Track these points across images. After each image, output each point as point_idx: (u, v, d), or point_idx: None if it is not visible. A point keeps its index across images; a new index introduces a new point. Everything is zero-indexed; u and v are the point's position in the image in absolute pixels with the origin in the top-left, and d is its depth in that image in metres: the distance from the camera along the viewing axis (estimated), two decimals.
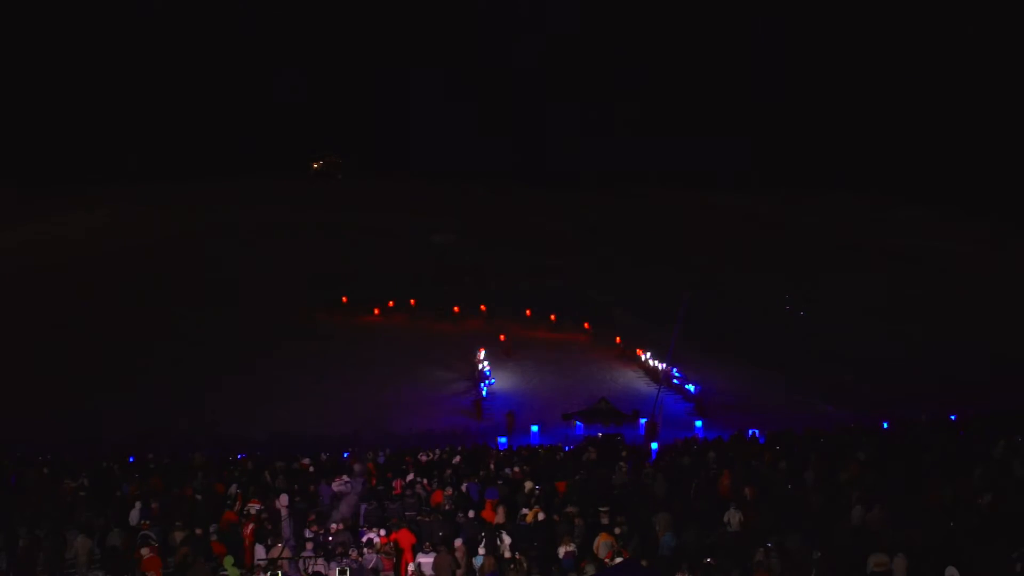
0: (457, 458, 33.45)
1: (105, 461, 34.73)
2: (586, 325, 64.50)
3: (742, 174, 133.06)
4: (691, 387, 50.53)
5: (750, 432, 39.89)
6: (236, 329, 60.81)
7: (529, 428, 43.78)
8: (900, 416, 42.29)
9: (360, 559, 20.87)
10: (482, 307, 67.80)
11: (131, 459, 36.23)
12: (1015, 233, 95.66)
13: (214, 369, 52.51)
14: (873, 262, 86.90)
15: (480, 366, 53.15)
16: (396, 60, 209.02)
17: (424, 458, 33.46)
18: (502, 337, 59.77)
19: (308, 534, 22.96)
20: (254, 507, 25.44)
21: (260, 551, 21.88)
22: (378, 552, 21.38)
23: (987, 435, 34.43)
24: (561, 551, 21.32)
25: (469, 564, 21.72)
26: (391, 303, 68.98)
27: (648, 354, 56.20)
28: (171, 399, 47.99)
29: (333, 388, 50.14)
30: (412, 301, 69.43)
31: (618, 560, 20.17)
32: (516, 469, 30.51)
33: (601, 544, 21.41)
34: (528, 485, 28.01)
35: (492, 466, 31.32)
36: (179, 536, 22.32)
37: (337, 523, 23.73)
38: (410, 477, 29.65)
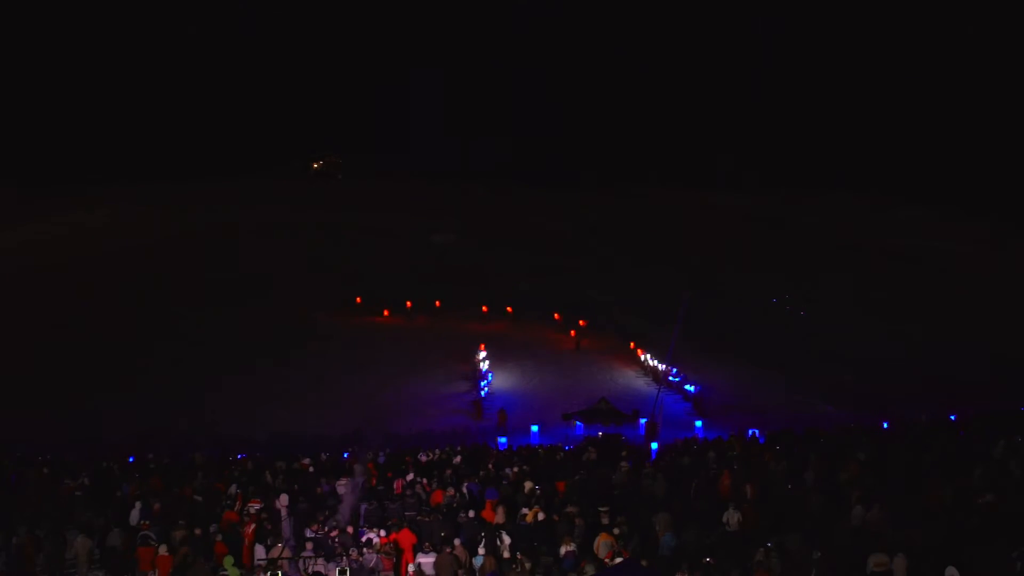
0: (457, 458, 33.48)
1: (105, 461, 34.73)
2: (582, 322, 64.59)
3: (742, 174, 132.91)
4: (690, 387, 50.49)
5: (750, 432, 39.92)
6: (236, 329, 60.79)
7: (528, 428, 43.73)
8: (900, 416, 42.31)
9: (360, 559, 20.88)
10: (508, 308, 67.75)
11: (131, 459, 36.22)
12: (1015, 233, 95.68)
13: (214, 369, 52.50)
14: (873, 262, 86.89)
15: (480, 365, 53.10)
16: (396, 59, 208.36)
17: (424, 458, 33.48)
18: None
19: (309, 533, 23.00)
20: (254, 507, 25.48)
21: (260, 551, 21.90)
22: (378, 552, 21.39)
23: (987, 435, 34.45)
24: (561, 551, 21.33)
25: (469, 564, 21.74)
26: (408, 303, 68.68)
27: (648, 354, 56.20)
28: (171, 399, 47.96)
29: (333, 388, 50.12)
30: (437, 303, 69.06)
31: (618, 560, 20.19)
32: (515, 469, 30.54)
33: (601, 544, 21.43)
34: (528, 485, 28.03)
35: (492, 466, 31.35)
36: (179, 536, 22.35)
37: (337, 523, 23.76)
38: (410, 477, 29.67)
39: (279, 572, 19.75)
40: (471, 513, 25.22)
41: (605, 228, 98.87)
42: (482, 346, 55.43)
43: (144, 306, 65.86)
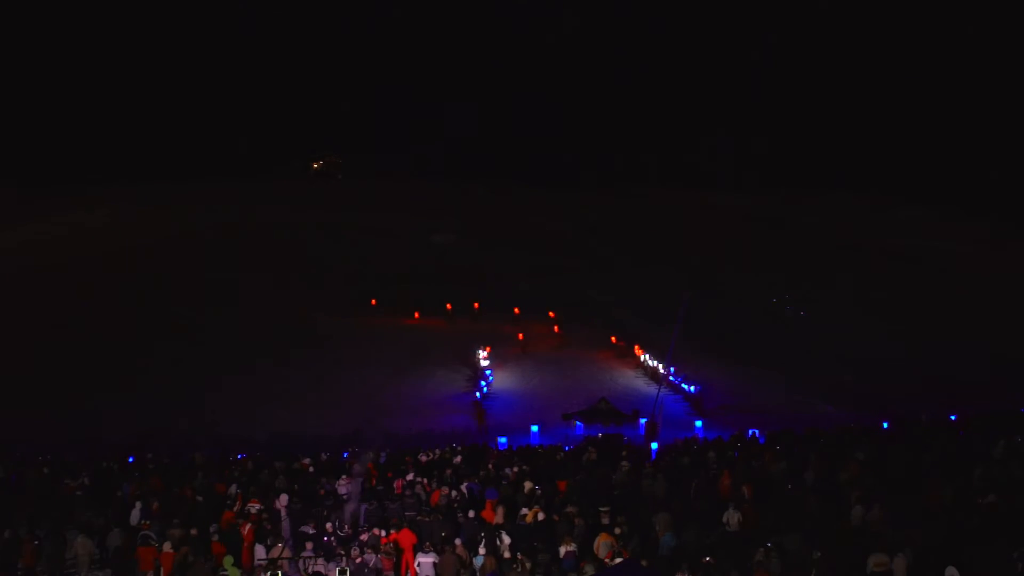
0: (457, 458, 33.47)
1: (105, 461, 34.73)
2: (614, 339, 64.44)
3: (742, 174, 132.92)
4: (688, 387, 50.47)
5: (750, 432, 39.92)
6: (236, 329, 60.79)
7: (528, 428, 43.72)
8: (900, 416, 42.29)
9: (360, 559, 20.88)
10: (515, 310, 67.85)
11: (131, 459, 36.22)
12: (1015, 233, 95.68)
13: (214, 369, 52.50)
14: (873, 262, 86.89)
15: (481, 365, 53.08)
16: (397, 60, 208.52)
17: (424, 458, 33.47)
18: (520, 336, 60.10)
19: (309, 530, 23.04)
20: (254, 507, 25.48)
21: (260, 551, 21.90)
22: (378, 552, 21.39)
23: (987, 435, 34.45)
24: (561, 551, 21.33)
25: (470, 564, 21.75)
26: (448, 305, 68.50)
27: (647, 355, 56.19)
28: (171, 399, 47.96)
29: (333, 388, 50.12)
30: (476, 304, 69.01)
31: (618, 560, 20.20)
32: (515, 469, 30.54)
33: (601, 544, 21.44)
34: (528, 485, 28.02)
35: (492, 466, 31.34)
36: (177, 535, 22.35)
37: (336, 523, 23.78)
38: (410, 477, 29.67)
39: (279, 572, 19.75)
40: (471, 513, 25.22)
41: (605, 228, 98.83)
42: (487, 348, 55.44)
43: (144, 306, 65.86)
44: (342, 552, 21.21)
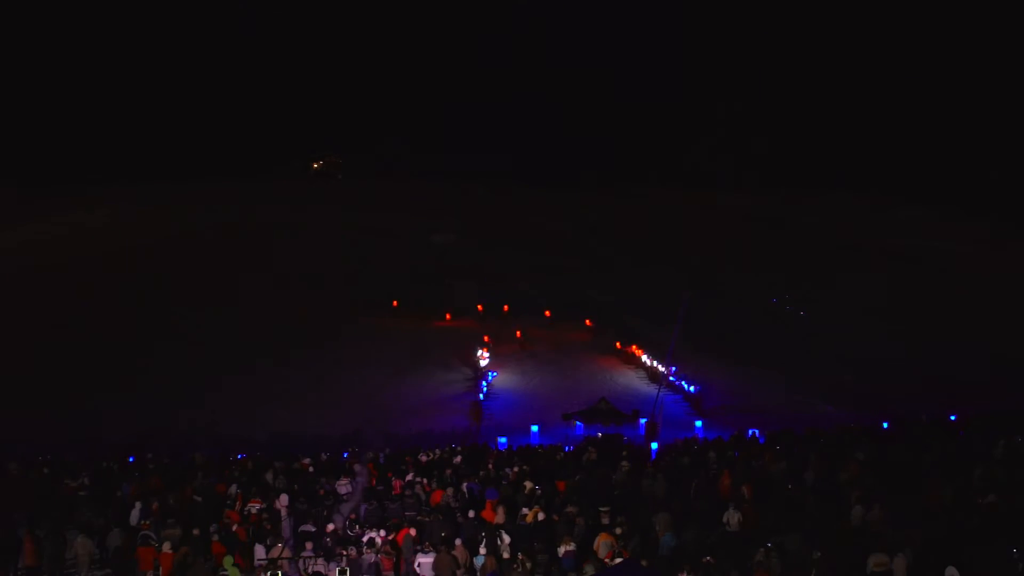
0: (457, 458, 33.48)
1: (105, 461, 34.73)
2: (588, 322, 64.74)
3: (742, 174, 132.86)
4: (687, 387, 50.47)
5: (750, 432, 39.93)
6: (236, 329, 60.79)
7: (528, 428, 43.73)
8: (900, 416, 42.32)
9: (359, 559, 20.88)
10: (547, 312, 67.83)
11: (131, 459, 36.23)
12: (1015, 233, 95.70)
13: (214, 369, 52.50)
14: (873, 262, 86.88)
15: (482, 364, 53.03)
16: (397, 59, 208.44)
17: (424, 458, 33.48)
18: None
19: (309, 528, 23.06)
20: (254, 507, 25.49)
21: (260, 551, 21.90)
22: (378, 552, 21.39)
23: (987, 435, 34.46)
24: (561, 551, 21.34)
25: (470, 564, 21.75)
26: (480, 307, 68.14)
27: (646, 354, 56.20)
28: (171, 399, 47.96)
29: (333, 388, 50.11)
30: (506, 307, 68.88)
31: (618, 560, 20.20)
32: (515, 469, 30.55)
33: (601, 544, 21.44)
34: (528, 485, 28.04)
35: (492, 466, 31.35)
36: (175, 536, 22.36)
37: (337, 523, 23.78)
38: (409, 477, 29.68)
39: (279, 572, 19.75)
40: (471, 513, 25.23)
41: (605, 228, 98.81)
42: (484, 349, 55.41)
43: (144, 306, 65.85)
44: (342, 552, 21.21)
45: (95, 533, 23.71)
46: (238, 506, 25.88)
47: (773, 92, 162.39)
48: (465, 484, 28.39)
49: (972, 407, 43.54)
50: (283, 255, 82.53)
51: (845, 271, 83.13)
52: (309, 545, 21.68)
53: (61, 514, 25.71)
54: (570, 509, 24.91)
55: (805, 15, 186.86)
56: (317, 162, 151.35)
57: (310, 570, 20.66)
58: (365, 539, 22.29)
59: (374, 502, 26.17)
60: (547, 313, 67.28)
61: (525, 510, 25.34)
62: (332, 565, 20.58)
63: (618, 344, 59.84)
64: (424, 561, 21.29)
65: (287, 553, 21.32)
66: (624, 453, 33.95)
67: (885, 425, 41.02)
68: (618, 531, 22.65)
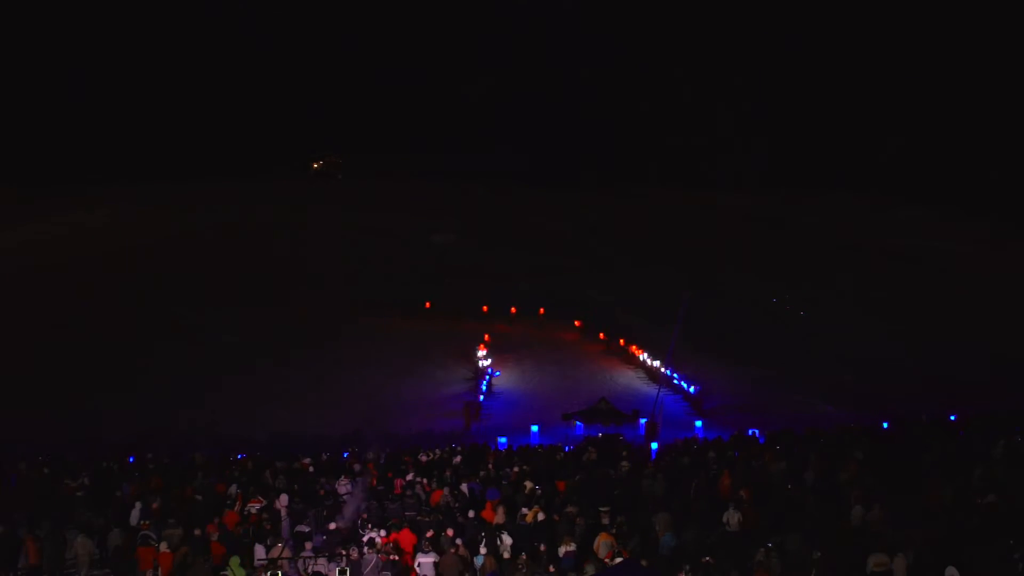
0: (457, 458, 33.50)
1: (105, 461, 34.76)
2: (577, 323, 64.76)
3: (742, 174, 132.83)
4: (687, 386, 50.52)
5: (750, 432, 39.98)
6: (236, 329, 60.80)
7: (528, 428, 43.77)
8: (900, 416, 42.37)
9: (360, 559, 20.89)
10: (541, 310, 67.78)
11: (131, 459, 36.25)
12: (1015, 233, 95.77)
13: (214, 369, 52.52)
14: (873, 262, 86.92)
15: (481, 363, 52.96)
16: (396, 59, 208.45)
17: (424, 458, 33.49)
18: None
19: (304, 528, 23.09)
20: (254, 507, 25.52)
21: (260, 551, 21.91)
22: (378, 552, 21.40)
23: (987, 435, 34.50)
24: (561, 550, 21.37)
25: (471, 564, 21.77)
26: (512, 310, 68.07)
27: (646, 354, 56.20)
28: (171, 399, 47.98)
29: (333, 388, 50.12)
30: (542, 310, 68.64)
31: (618, 560, 20.22)
32: (515, 469, 30.58)
33: (601, 544, 21.46)
34: (528, 485, 28.06)
35: (492, 466, 31.37)
36: (174, 535, 22.38)
37: (339, 523, 23.82)
38: (410, 477, 29.69)
39: (279, 572, 19.76)
40: (471, 513, 25.25)
41: (605, 228, 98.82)
42: (482, 346, 55.34)
43: (144, 306, 65.86)
44: (343, 552, 21.22)
45: (95, 533, 23.73)
46: (238, 506, 25.88)
47: (773, 92, 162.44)
48: (465, 484, 28.40)
49: (972, 407, 43.63)
50: (283, 255, 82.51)
51: (845, 271, 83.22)
52: (308, 545, 21.68)
53: (61, 514, 25.71)
54: (570, 509, 24.93)
55: (806, 14, 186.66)
56: (317, 162, 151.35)
57: (310, 570, 20.66)
58: (365, 539, 22.30)
59: (374, 502, 26.18)
60: (541, 311, 67.23)
61: (525, 510, 25.36)
62: (332, 565, 20.58)
63: (622, 342, 59.80)
64: (424, 561, 21.29)
65: (287, 553, 21.32)
66: (624, 453, 34.01)
67: (885, 425, 41.09)
68: (616, 531, 22.71)
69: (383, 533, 22.80)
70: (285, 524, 24.34)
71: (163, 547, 21.50)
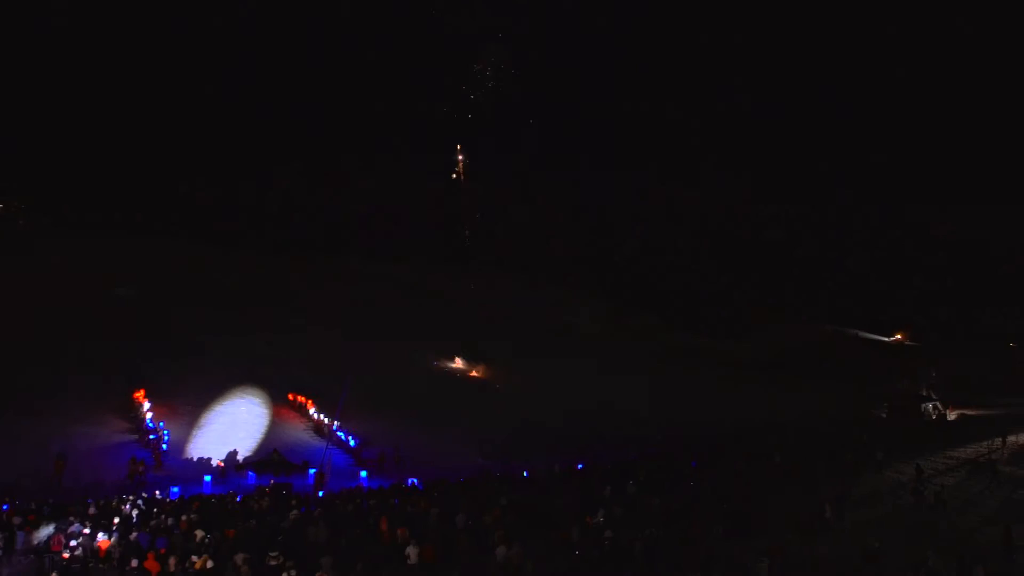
0: (128, 507, 33.17)
1: None
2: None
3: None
4: (348, 439, 52.67)
5: (410, 481, 43.19)
6: None
7: (201, 478, 43.64)
8: (536, 466, 47.87)
9: None
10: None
11: None
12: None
13: None
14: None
15: (146, 417, 51.18)
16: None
17: (93, 510, 32.72)
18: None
19: None
20: None
21: None
22: None
23: (602, 482, 40.56)
24: None
25: None
26: None
27: (314, 409, 57.57)
28: None
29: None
30: None
31: None
32: (184, 518, 31.10)
33: None
34: (199, 533, 28.94)
35: (164, 516, 31.62)
36: None
37: None
38: (74, 528, 29.16)
39: None
40: (134, 562, 25.71)
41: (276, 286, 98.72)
42: (142, 392, 53.37)
43: None
44: None
45: None
46: None
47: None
48: (135, 534, 28.58)
49: (593, 458, 50.74)
50: None
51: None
52: None
53: None
54: (238, 556, 26.27)
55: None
56: None
57: None
58: None
59: (32, 556, 25.74)
60: None
61: (194, 558, 26.35)
62: None
63: (290, 396, 60.74)
64: None
65: None
66: (293, 502, 35.66)
67: (525, 474, 46.20)
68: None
69: None
70: None
71: None
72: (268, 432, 51.78)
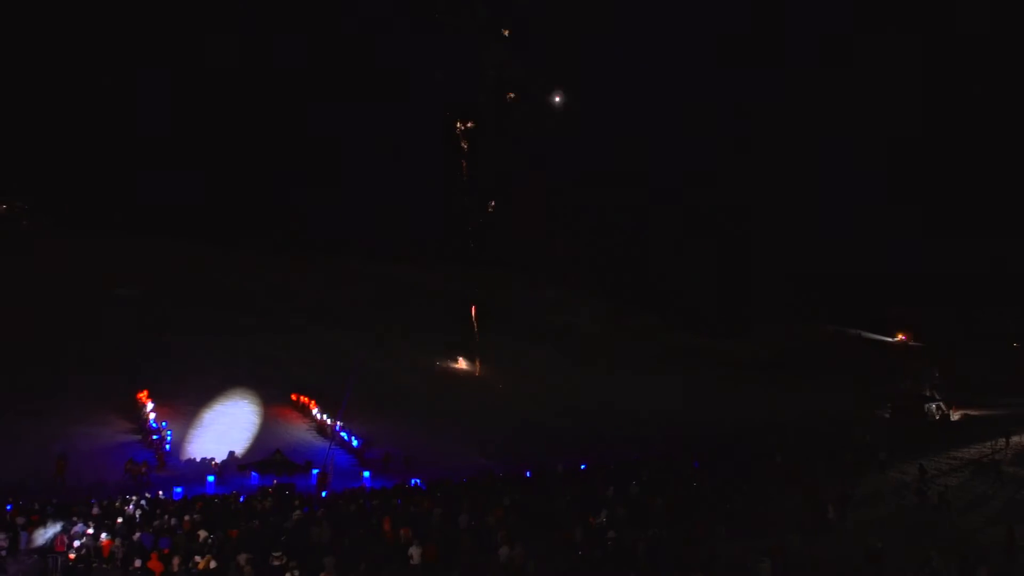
0: (131, 508, 33.19)
1: None
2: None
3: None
4: (351, 440, 52.68)
5: (413, 481, 43.20)
6: None
7: (204, 478, 43.67)
8: (539, 466, 47.87)
9: None
10: None
11: None
12: None
13: None
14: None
15: (148, 417, 51.19)
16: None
17: (97, 510, 32.75)
18: None
19: None
20: None
21: None
22: None
23: (606, 482, 40.54)
24: None
25: None
26: None
27: (316, 409, 57.60)
28: None
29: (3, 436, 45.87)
30: None
31: None
32: (187, 518, 31.13)
33: None
34: (202, 534, 28.97)
35: (167, 516, 31.64)
36: None
37: None
38: (78, 528, 29.21)
39: None
40: (137, 563, 25.72)
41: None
42: (145, 392, 53.36)
43: None
44: None
45: None
46: None
47: None
48: (138, 534, 28.61)
49: (596, 459, 50.80)
50: None
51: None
52: None
53: None
54: (241, 556, 26.29)
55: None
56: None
57: None
58: None
59: (35, 556, 25.78)
60: None
61: (198, 558, 26.38)
62: None
63: (293, 396, 60.76)
64: None
65: None
66: (296, 502, 35.67)
67: (527, 474, 46.22)
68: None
69: None
70: None
71: None
72: (270, 432, 51.78)
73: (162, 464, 44.52)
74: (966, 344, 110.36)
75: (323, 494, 40.20)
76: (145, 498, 35.55)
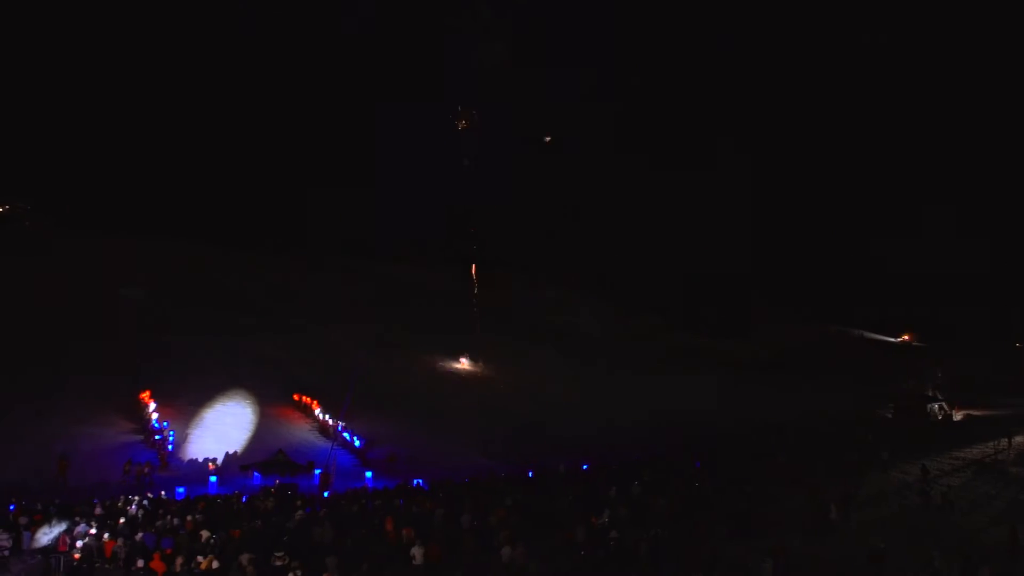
0: (133, 508, 33.19)
1: None
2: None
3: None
4: (354, 440, 52.69)
5: (415, 482, 43.20)
6: None
7: (207, 478, 43.68)
8: (541, 467, 47.86)
9: None
10: None
11: None
12: None
13: None
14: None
15: (152, 419, 51.18)
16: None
17: (99, 510, 32.76)
18: None
19: None
20: None
21: None
22: None
23: (607, 482, 40.53)
24: None
25: None
26: None
27: (319, 409, 57.62)
28: None
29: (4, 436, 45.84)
30: None
31: None
32: (189, 519, 31.14)
33: None
34: (204, 534, 28.97)
35: (169, 516, 31.65)
36: None
37: None
38: (80, 528, 29.21)
39: None
40: (140, 563, 25.73)
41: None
42: (147, 393, 53.36)
43: None
44: None
45: None
46: None
47: None
48: (141, 534, 28.61)
49: (597, 459, 50.76)
50: None
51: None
52: None
53: None
54: (243, 556, 26.29)
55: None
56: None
57: None
58: None
59: (38, 556, 25.78)
60: None
61: (200, 558, 26.38)
62: None
63: (295, 396, 60.74)
64: None
65: None
66: (298, 502, 35.67)
67: (530, 475, 46.20)
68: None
69: None
70: None
71: None
72: (272, 433, 51.78)
73: (164, 464, 44.56)
74: (969, 345, 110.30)
75: (325, 494, 40.20)
76: (147, 498, 35.57)
